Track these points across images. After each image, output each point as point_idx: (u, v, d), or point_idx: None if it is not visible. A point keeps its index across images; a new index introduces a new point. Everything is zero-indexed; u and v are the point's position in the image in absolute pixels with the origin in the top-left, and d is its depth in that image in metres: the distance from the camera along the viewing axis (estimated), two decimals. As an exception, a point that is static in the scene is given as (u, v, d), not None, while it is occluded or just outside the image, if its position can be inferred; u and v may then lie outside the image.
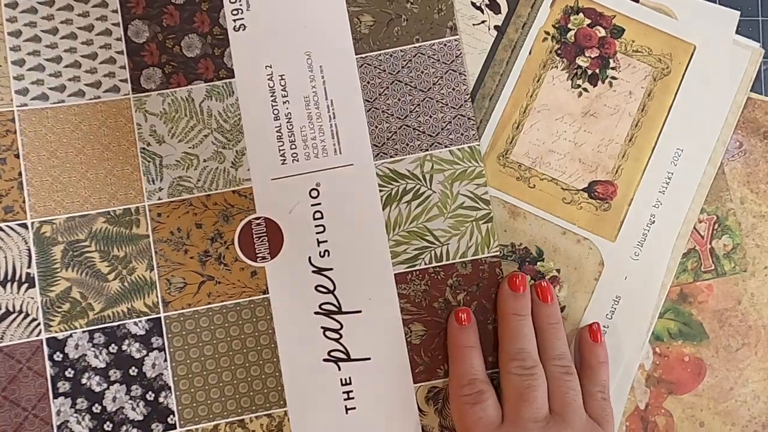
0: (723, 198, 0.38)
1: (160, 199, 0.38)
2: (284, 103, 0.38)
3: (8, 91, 0.38)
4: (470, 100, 0.38)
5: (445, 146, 0.38)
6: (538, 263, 0.38)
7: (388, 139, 0.38)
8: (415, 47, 0.38)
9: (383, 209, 0.38)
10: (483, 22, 0.38)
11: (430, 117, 0.38)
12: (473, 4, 0.38)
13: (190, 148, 0.38)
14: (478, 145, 0.38)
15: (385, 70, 0.38)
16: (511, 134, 0.38)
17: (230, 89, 0.38)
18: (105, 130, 0.38)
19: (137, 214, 0.38)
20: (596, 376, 0.35)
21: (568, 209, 0.38)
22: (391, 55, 0.38)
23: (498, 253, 0.37)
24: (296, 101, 0.38)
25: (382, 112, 0.38)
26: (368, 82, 0.38)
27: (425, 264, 0.37)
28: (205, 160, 0.38)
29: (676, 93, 0.38)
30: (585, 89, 0.38)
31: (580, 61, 0.38)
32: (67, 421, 0.36)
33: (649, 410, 0.38)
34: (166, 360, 0.37)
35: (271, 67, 0.38)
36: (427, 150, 0.38)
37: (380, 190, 0.38)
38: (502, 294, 0.36)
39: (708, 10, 0.39)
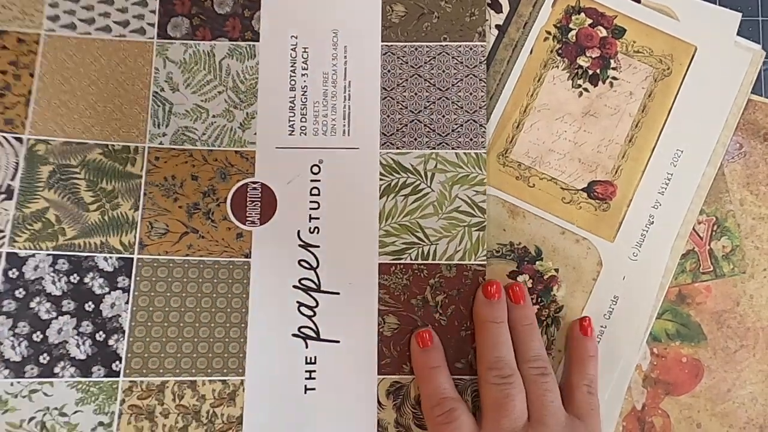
0: (722, 199, 0.38)
1: (161, 144, 0.38)
2: (303, 75, 0.38)
3: (41, 15, 0.38)
4: (486, 107, 0.38)
5: (452, 148, 0.38)
6: (537, 262, 0.37)
7: (397, 131, 0.38)
8: (441, 45, 0.38)
9: (380, 198, 0.38)
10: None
11: (443, 117, 0.38)
12: None
13: (202, 101, 0.38)
14: (485, 153, 0.38)
15: (407, 62, 0.38)
16: (511, 133, 0.38)
17: (252, 52, 0.39)
18: (122, 68, 0.38)
19: (135, 153, 0.37)
20: (584, 370, 0.35)
21: (568, 209, 0.38)
22: (416, 49, 0.38)
23: (484, 262, 0.37)
24: (315, 76, 0.38)
25: (397, 102, 0.38)
26: (389, 71, 0.38)
27: (411, 259, 0.37)
28: (214, 116, 0.38)
29: (677, 94, 0.38)
30: (585, 89, 0.38)
31: (581, 61, 0.38)
32: (0, 344, 0.35)
33: (646, 411, 0.37)
34: (127, 302, 0.36)
35: (296, 38, 0.39)
36: (434, 148, 0.38)
37: (380, 179, 0.38)
38: (478, 302, 0.36)
39: (709, 11, 0.39)
